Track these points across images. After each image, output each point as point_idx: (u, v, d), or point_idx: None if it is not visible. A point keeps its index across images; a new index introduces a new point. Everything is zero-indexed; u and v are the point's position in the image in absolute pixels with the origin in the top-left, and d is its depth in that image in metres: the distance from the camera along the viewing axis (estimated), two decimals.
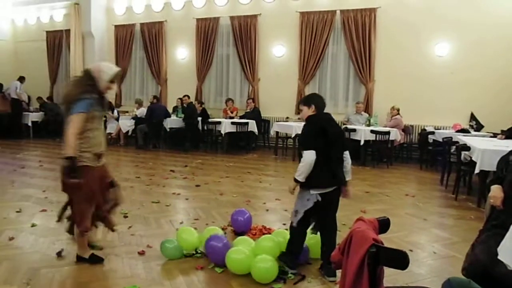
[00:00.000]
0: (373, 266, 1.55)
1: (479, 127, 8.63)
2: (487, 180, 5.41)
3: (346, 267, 1.72)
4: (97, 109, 3.18)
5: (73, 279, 3.04)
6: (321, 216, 3.20)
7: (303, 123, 3.28)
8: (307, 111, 3.21)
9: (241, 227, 4.08)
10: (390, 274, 2.89)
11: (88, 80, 3.15)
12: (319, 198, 3.07)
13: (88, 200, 3.22)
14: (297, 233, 3.20)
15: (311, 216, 3.17)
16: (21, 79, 12.12)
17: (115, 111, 11.32)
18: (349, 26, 9.80)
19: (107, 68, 3.22)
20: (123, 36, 12.68)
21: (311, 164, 3.01)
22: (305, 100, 3.25)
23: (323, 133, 3.08)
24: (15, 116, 12.01)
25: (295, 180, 3.10)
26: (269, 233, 3.84)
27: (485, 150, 5.18)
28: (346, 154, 3.23)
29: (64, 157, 3.01)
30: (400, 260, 1.50)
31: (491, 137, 7.51)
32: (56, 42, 13.73)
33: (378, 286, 1.62)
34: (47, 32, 13.81)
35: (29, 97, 13.45)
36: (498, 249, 2.09)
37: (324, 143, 3.06)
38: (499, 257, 2.06)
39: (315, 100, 3.25)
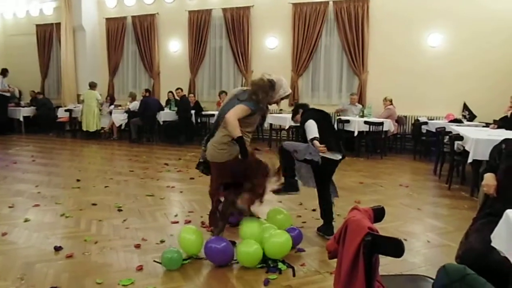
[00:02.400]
0: (368, 255, 1.55)
1: (472, 117, 8.67)
2: (480, 169, 5.45)
3: (341, 256, 1.72)
4: (258, 114, 3.44)
5: (67, 273, 3.02)
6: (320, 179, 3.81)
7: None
8: (299, 115, 4.03)
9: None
10: (385, 264, 2.91)
11: (270, 89, 3.39)
12: (320, 160, 3.61)
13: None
14: (283, 154, 3.76)
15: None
16: (4, 72, 11.80)
17: (112, 106, 11.24)
18: (342, 17, 9.78)
19: (286, 86, 3.53)
20: (115, 29, 12.55)
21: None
22: (294, 111, 4.17)
23: (314, 118, 3.73)
24: (1, 111, 11.67)
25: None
26: None
27: (478, 139, 5.20)
28: None
29: (236, 138, 3.22)
30: (395, 248, 1.50)
31: (483, 126, 7.55)
32: (47, 36, 13.55)
33: (373, 275, 1.62)
34: (37, 25, 13.62)
35: (20, 92, 13.32)
36: (492, 236, 2.11)
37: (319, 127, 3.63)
38: (492, 244, 2.08)
39: (300, 106, 4.16)
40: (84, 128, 10.88)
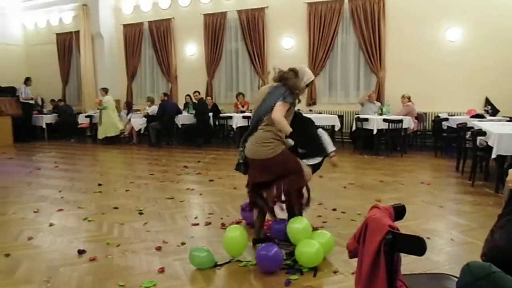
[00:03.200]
0: (389, 253, 1.53)
1: (494, 111, 8.46)
2: (505, 165, 5.32)
3: (362, 255, 1.69)
4: (294, 105, 3.47)
5: (91, 276, 3.07)
6: None
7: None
8: None
9: (252, 218, 4.09)
10: (408, 263, 2.86)
11: (296, 77, 3.44)
12: None
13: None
14: None
15: None
16: (26, 81, 12.19)
17: (130, 114, 11.38)
18: (357, 15, 9.69)
19: (309, 73, 3.58)
20: (132, 35, 12.74)
21: None
22: None
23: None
24: (26, 119, 12.10)
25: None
26: None
27: (501, 134, 5.08)
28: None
29: (289, 134, 3.29)
30: (417, 246, 1.47)
31: (507, 121, 7.36)
32: (66, 44, 13.85)
33: (395, 274, 1.60)
34: (57, 34, 13.94)
35: (42, 100, 13.63)
36: None
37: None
38: None
39: None
40: (101, 136, 11.03)
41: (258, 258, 3.16)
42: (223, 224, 4.18)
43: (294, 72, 3.44)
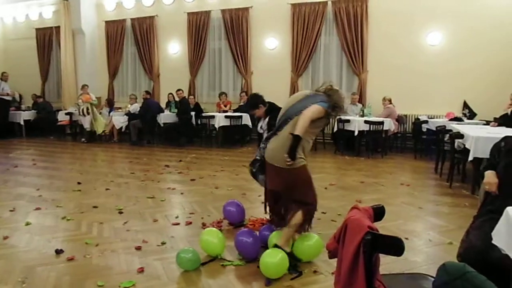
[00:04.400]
0: (369, 254, 1.55)
1: (472, 115, 8.66)
2: (480, 167, 5.44)
3: (341, 255, 1.72)
4: (328, 118, 3.29)
5: (69, 276, 3.02)
6: None
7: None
8: (261, 110, 4.06)
9: (235, 218, 4.11)
10: (386, 262, 2.90)
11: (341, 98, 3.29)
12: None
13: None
14: None
15: None
16: (2, 75, 11.76)
17: (112, 112, 11.24)
18: (341, 17, 9.78)
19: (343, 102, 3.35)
20: (114, 32, 12.57)
21: None
22: (253, 105, 4.11)
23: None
24: (1, 115, 11.69)
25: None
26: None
27: (478, 137, 5.19)
28: None
29: (295, 134, 3.01)
30: (395, 246, 1.50)
31: (484, 124, 7.54)
32: (46, 40, 13.57)
33: (374, 274, 1.62)
34: (36, 29, 13.65)
35: (20, 96, 13.33)
36: (493, 233, 2.10)
37: None
38: (493, 242, 2.08)
39: (259, 100, 4.08)
40: (101, 130, 10.97)
41: (238, 244, 3.29)
42: (204, 224, 4.16)
43: (339, 92, 3.31)
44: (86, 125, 10.93)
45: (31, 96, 13.05)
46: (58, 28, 12.89)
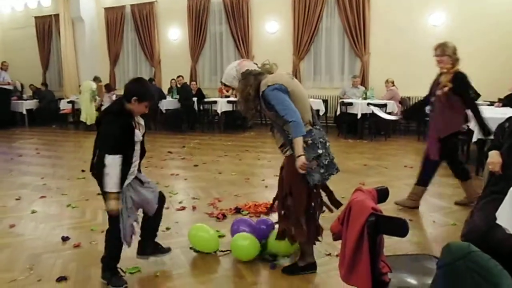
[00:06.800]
0: (373, 235, 1.55)
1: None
2: (485, 148, 5.42)
3: (346, 237, 1.72)
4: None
5: (75, 263, 3.05)
6: None
7: None
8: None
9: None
10: (390, 244, 2.92)
11: None
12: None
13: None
14: None
15: None
16: (1, 65, 11.68)
17: (114, 96, 11.19)
18: None
19: None
20: (114, 19, 12.47)
21: None
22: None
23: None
24: (3, 105, 11.62)
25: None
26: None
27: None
28: None
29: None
30: (399, 227, 1.49)
31: (488, 105, 7.48)
32: (46, 28, 13.49)
33: (378, 255, 1.62)
34: (35, 18, 13.56)
35: (22, 85, 13.30)
36: (497, 213, 2.09)
37: None
38: (497, 222, 2.07)
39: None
40: (83, 119, 10.81)
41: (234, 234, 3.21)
42: (210, 209, 4.17)
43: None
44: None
45: (29, 87, 12.93)
46: (57, 16, 12.81)
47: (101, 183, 2.57)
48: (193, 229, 3.25)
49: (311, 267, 2.85)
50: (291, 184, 2.74)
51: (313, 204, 2.81)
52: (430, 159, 4.06)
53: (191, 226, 3.35)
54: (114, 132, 2.54)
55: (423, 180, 4.16)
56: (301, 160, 2.53)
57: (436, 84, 4.07)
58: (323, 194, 2.86)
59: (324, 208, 2.89)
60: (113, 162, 2.49)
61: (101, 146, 2.64)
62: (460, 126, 4.05)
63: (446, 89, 3.85)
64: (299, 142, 2.55)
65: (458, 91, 3.86)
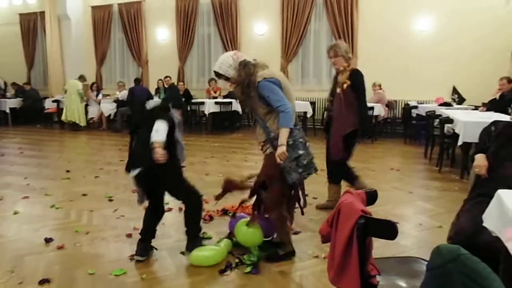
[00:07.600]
0: (362, 238, 1.54)
1: (461, 100, 8.71)
2: (470, 151, 5.49)
3: (335, 239, 1.71)
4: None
5: (59, 265, 2.99)
6: None
7: None
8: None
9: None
10: (377, 247, 2.90)
11: None
12: None
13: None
14: None
15: None
16: None
17: (100, 95, 11.10)
18: (331, 2, 9.70)
19: None
20: (101, 18, 12.35)
21: None
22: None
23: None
24: None
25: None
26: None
27: (467, 122, 5.22)
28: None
29: None
30: (388, 230, 1.49)
31: (473, 109, 7.59)
32: (31, 25, 13.29)
33: (367, 258, 1.62)
34: (20, 15, 13.35)
35: (5, 83, 13.07)
36: (483, 216, 2.11)
37: None
38: (484, 224, 2.09)
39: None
40: (64, 119, 10.64)
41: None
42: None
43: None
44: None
45: (11, 85, 12.71)
46: (42, 13, 12.62)
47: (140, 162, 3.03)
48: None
49: (290, 254, 3.06)
50: (269, 180, 2.93)
51: (288, 201, 3.06)
52: (337, 159, 4.09)
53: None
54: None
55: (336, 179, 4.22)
56: (282, 149, 2.73)
57: (335, 84, 4.13)
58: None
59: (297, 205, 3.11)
60: (162, 124, 2.80)
61: (155, 118, 2.87)
62: (357, 125, 4.08)
63: (345, 86, 3.92)
64: (285, 133, 2.75)
65: (356, 86, 3.92)
